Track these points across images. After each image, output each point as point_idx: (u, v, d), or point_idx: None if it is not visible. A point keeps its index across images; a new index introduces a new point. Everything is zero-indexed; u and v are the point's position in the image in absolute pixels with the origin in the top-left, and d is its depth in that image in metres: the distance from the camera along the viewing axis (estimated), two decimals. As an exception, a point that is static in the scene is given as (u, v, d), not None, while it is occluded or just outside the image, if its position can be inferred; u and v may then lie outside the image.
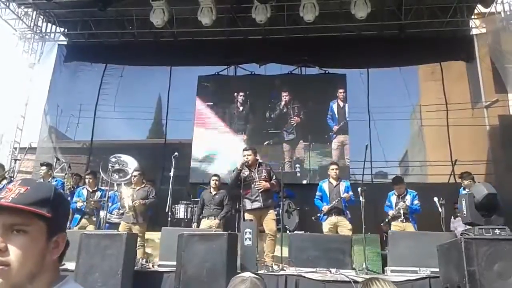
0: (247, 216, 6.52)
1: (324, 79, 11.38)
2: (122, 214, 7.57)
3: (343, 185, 7.17)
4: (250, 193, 6.52)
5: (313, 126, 10.96)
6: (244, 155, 6.68)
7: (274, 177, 6.75)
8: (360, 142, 9.67)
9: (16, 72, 11.32)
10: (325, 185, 7.26)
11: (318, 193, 7.29)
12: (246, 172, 6.60)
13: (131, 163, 8.73)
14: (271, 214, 6.52)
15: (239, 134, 11.10)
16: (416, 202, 7.07)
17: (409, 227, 7.00)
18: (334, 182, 7.22)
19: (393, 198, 7.30)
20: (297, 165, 10.74)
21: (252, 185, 6.54)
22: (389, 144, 10.86)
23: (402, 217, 7.03)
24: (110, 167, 7.89)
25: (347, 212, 7.04)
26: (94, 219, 7.79)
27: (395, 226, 7.08)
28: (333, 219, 6.98)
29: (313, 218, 7.31)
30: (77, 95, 11.72)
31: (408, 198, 7.15)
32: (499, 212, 4.70)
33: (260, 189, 6.48)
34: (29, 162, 11.30)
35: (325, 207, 7.02)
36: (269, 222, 6.38)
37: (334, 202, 6.99)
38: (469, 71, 11.20)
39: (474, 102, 11.02)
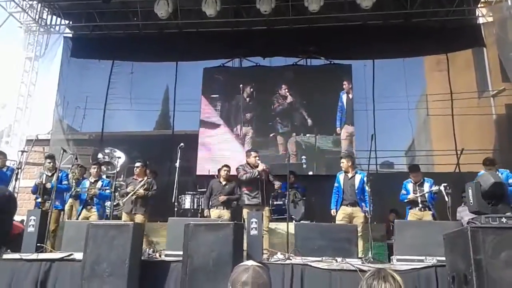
0: (244, 210, 6.92)
1: (329, 70, 11.35)
2: (116, 205, 7.61)
3: (358, 177, 7.07)
4: (250, 190, 7.00)
5: (319, 117, 10.94)
6: (255, 156, 7.19)
7: (272, 178, 7.29)
8: (365, 132, 9.68)
9: (22, 64, 11.31)
10: (341, 177, 7.19)
11: (335, 184, 7.22)
12: (254, 174, 7.04)
13: (120, 158, 8.77)
14: (266, 211, 6.99)
15: (245, 126, 11.11)
16: (433, 188, 6.96)
17: (427, 215, 6.93)
18: (349, 174, 7.16)
19: (410, 186, 7.20)
20: (303, 156, 10.75)
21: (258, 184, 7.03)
22: (395, 134, 10.85)
23: (421, 205, 6.98)
24: (101, 157, 7.90)
25: (362, 204, 6.99)
26: (94, 211, 7.81)
27: (413, 214, 7.03)
28: (348, 209, 6.95)
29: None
30: (84, 88, 11.81)
31: (427, 185, 7.08)
32: (505, 201, 4.69)
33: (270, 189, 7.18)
34: (36, 154, 11.37)
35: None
36: (264, 219, 6.49)
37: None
38: (476, 60, 11.13)
39: (480, 91, 10.96)
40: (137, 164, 7.75)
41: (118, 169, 8.10)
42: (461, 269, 3.85)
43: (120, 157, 8.69)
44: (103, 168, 8.50)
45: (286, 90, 11.15)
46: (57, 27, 11.87)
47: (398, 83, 10.69)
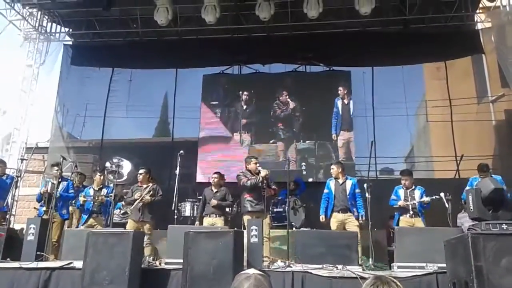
0: (246, 217, 6.77)
1: (328, 77, 11.36)
2: (124, 213, 7.59)
3: (349, 183, 7.14)
4: (253, 197, 6.94)
5: (318, 124, 10.96)
6: (256, 163, 7.21)
7: (272, 184, 7.26)
8: (365, 139, 9.68)
9: (21, 72, 11.33)
10: (331, 183, 7.26)
11: (325, 190, 7.29)
12: (259, 179, 7.01)
13: (126, 166, 8.78)
14: (267, 219, 7.06)
15: (244, 132, 11.12)
16: (425, 199, 6.99)
17: (418, 222, 6.93)
18: (340, 180, 7.21)
19: (401, 192, 7.22)
20: (303, 163, 10.75)
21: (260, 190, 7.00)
22: (395, 141, 10.84)
23: (411, 212, 6.98)
24: (109, 166, 7.92)
25: (354, 209, 7.02)
26: (102, 217, 7.81)
27: (404, 221, 7.01)
28: (340, 216, 6.98)
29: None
30: (84, 95, 11.78)
31: (418, 193, 7.10)
32: (506, 207, 4.69)
33: (265, 195, 6.99)
34: (35, 162, 11.36)
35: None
36: (265, 226, 6.52)
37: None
38: (475, 66, 11.14)
39: (480, 97, 10.97)
40: (141, 171, 7.75)
41: (125, 177, 8.12)
42: (462, 276, 3.85)
43: (122, 165, 8.67)
44: (110, 176, 8.49)
45: (287, 96, 11.16)
46: (57, 35, 11.87)
47: (397, 90, 10.69)
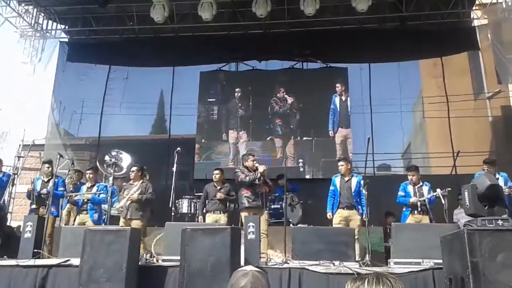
0: (243, 214, 6.83)
1: (325, 73, 11.36)
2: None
3: (355, 180, 7.07)
4: (251, 193, 7.01)
5: (315, 121, 10.96)
6: (253, 160, 7.30)
7: (268, 180, 7.32)
8: (362, 135, 9.69)
9: (18, 69, 11.30)
10: (337, 180, 7.19)
11: (331, 187, 7.22)
12: (257, 175, 7.07)
13: (126, 159, 8.73)
14: (265, 215, 7.06)
15: (241, 130, 11.11)
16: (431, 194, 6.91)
17: (426, 219, 6.85)
18: (346, 177, 7.17)
19: (410, 188, 7.07)
20: (300, 160, 10.75)
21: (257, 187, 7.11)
22: (392, 137, 10.86)
23: (420, 208, 6.90)
24: (108, 159, 7.88)
25: (359, 207, 6.99)
26: (88, 216, 7.72)
27: (413, 218, 6.94)
28: (345, 212, 6.96)
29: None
30: (80, 93, 11.74)
31: (425, 189, 7.01)
32: (501, 203, 4.70)
33: (260, 191, 7.06)
34: (32, 159, 11.34)
35: None
36: (262, 222, 6.51)
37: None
38: (472, 63, 11.17)
39: (476, 93, 10.99)
40: (133, 168, 7.69)
41: (125, 170, 8.09)
42: (458, 272, 3.86)
43: (122, 158, 8.61)
44: (110, 170, 8.45)
45: (284, 93, 11.16)
46: (53, 32, 11.86)
47: (394, 86, 10.69)
